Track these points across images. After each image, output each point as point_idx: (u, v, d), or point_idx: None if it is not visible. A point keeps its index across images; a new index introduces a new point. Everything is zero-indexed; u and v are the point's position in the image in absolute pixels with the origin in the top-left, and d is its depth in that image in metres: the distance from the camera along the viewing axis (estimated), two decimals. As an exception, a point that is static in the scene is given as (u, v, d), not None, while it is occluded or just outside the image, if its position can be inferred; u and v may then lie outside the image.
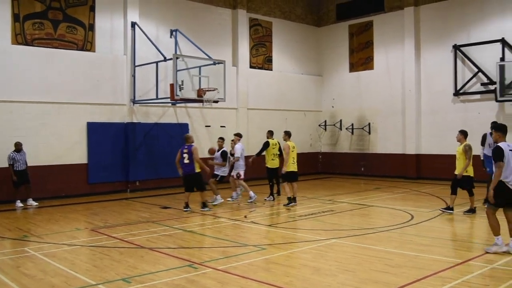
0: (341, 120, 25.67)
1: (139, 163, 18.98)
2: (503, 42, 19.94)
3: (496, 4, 20.43)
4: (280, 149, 16.04)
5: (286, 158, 14.78)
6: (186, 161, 13.90)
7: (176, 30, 19.25)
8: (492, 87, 20.12)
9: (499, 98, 19.51)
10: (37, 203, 15.72)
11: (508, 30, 19.93)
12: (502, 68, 19.35)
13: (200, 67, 17.67)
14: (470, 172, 13.07)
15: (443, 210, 13.25)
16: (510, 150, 8.78)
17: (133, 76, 18.95)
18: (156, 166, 19.31)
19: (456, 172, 13.13)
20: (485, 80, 20.57)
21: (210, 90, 17.24)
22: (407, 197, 16.85)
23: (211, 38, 21.77)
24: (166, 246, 9.70)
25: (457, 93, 21.38)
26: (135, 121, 19.00)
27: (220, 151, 15.66)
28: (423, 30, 22.72)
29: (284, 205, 14.71)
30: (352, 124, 25.14)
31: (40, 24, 17.06)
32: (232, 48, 22.76)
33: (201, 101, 17.31)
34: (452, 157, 20.71)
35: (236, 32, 22.75)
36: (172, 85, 16.66)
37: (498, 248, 8.71)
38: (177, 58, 16.83)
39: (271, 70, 24.48)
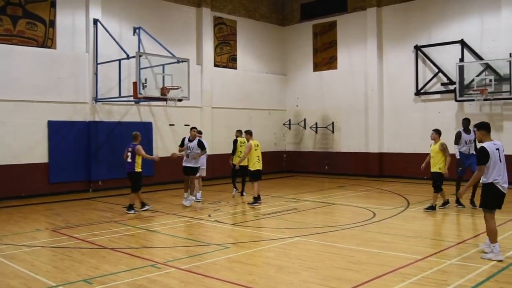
0: (305, 119, 25.84)
1: (101, 162, 18.72)
2: (462, 43, 20.37)
3: (456, 6, 20.87)
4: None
5: (244, 155, 15.16)
6: (129, 160, 13.69)
7: (139, 28, 19.06)
8: (452, 87, 20.55)
9: (458, 98, 19.95)
10: (-5, 204, 15.39)
11: (467, 32, 20.38)
12: (461, 69, 19.81)
13: (163, 65, 17.52)
14: (442, 169, 13.28)
15: (440, 207, 13.55)
16: (496, 149, 8.43)
17: (96, 74, 18.69)
18: (119, 165, 18.91)
19: (433, 170, 13.33)
20: (445, 80, 21.01)
21: (173, 89, 17.12)
22: (370, 195, 17.08)
23: (175, 36, 21.63)
24: (129, 246, 9.61)
25: (418, 92, 21.77)
26: (97, 119, 18.74)
27: (197, 140, 15.10)
28: (385, 31, 23.06)
29: (249, 203, 14.73)
30: (316, 123, 25.33)
31: (-1, 20, 16.70)
32: (196, 47, 22.66)
33: (165, 100, 17.18)
34: (414, 156, 21.32)
35: (200, 30, 22.66)
36: (135, 84, 16.49)
37: (494, 256, 8.17)
38: (140, 56, 16.67)
39: (236, 69, 24.47)
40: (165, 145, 20.13)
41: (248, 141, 15.28)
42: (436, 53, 21.35)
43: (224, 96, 23.57)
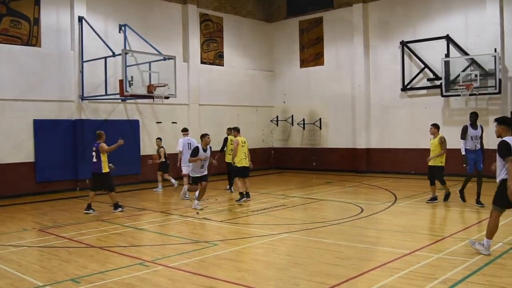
0: (292, 116, 25.84)
1: (88, 161, 18.51)
2: (448, 38, 20.48)
3: (441, 1, 20.97)
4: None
5: (234, 152, 15.03)
6: (94, 159, 13.40)
7: (125, 25, 18.94)
8: (438, 83, 20.67)
9: (444, 93, 20.07)
10: (-19, 204, 15.25)
11: (452, 27, 20.50)
12: (447, 64, 19.92)
13: (150, 62, 17.45)
14: (443, 162, 13.40)
15: (428, 201, 13.58)
16: None
17: (81, 72, 18.55)
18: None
19: (432, 164, 13.46)
20: (431, 75, 21.12)
21: (160, 86, 17.07)
22: (358, 190, 17.15)
23: (161, 33, 21.52)
24: (117, 245, 9.57)
25: (404, 88, 21.86)
26: (84, 118, 18.62)
27: (209, 148, 13.88)
28: (371, 27, 23.11)
29: (236, 200, 14.72)
30: (304, 119, 25.35)
31: (-18, 18, 16.52)
32: (182, 44, 22.57)
33: (152, 97, 17.11)
34: (401, 151, 21.45)
35: (187, 27, 22.57)
36: (121, 81, 16.42)
37: (483, 250, 8.16)
38: (126, 53, 16.59)
39: (223, 65, 24.41)
40: (152, 142, 19.99)
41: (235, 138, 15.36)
42: (422, 49, 21.44)
43: (211, 93, 23.51)
